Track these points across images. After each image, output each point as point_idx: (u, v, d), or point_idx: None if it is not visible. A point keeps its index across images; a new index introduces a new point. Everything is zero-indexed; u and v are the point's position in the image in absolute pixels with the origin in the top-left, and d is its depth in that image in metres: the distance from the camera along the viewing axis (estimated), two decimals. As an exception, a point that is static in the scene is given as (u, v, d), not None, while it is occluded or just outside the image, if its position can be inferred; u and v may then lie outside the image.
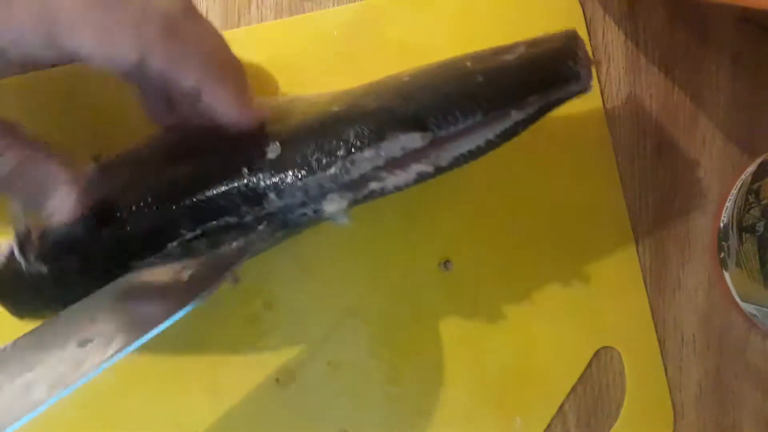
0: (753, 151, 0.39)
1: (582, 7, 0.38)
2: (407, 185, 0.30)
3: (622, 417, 0.37)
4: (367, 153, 0.28)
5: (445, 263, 0.36)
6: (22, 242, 0.29)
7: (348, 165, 0.28)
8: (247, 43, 0.36)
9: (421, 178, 0.30)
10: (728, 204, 0.37)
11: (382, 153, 0.28)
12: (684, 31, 0.39)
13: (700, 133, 0.39)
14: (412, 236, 0.36)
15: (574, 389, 0.37)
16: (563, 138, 0.37)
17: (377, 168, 0.28)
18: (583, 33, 0.38)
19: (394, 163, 0.28)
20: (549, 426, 0.37)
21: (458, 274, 0.36)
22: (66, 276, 0.29)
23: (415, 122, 0.29)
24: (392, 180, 0.29)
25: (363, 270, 0.36)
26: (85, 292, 0.29)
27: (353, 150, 0.28)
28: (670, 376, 0.38)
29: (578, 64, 0.29)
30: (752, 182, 0.36)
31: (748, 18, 0.39)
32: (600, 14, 0.38)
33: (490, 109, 0.29)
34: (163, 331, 0.34)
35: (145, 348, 0.34)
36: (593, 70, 0.37)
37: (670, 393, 0.38)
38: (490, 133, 0.29)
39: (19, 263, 0.29)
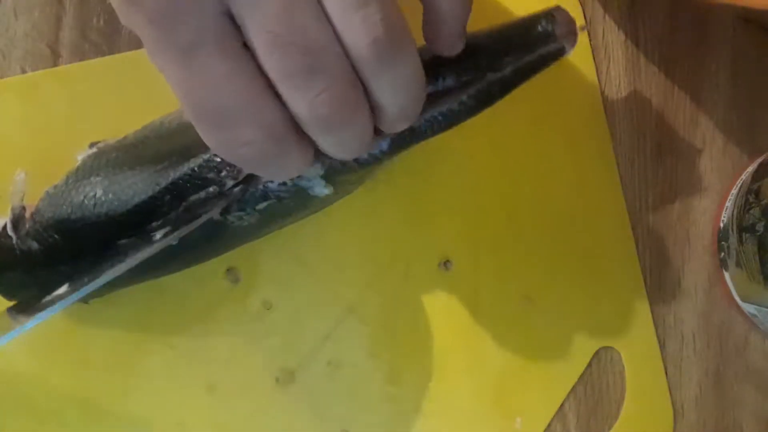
0: (753, 151, 0.39)
1: (582, 7, 0.38)
2: (382, 152, 0.29)
3: (622, 417, 0.37)
4: None
5: (445, 263, 0.36)
6: (16, 219, 0.29)
7: None
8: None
9: (397, 143, 0.29)
10: (728, 204, 0.37)
11: None
12: (684, 31, 0.39)
13: (700, 133, 0.39)
14: (412, 236, 0.36)
15: (574, 389, 0.37)
16: (563, 138, 0.37)
17: None
18: (583, 33, 0.38)
19: None
20: (549, 426, 0.37)
21: (458, 274, 0.36)
22: (55, 254, 0.29)
23: None
24: None
25: (363, 270, 0.36)
26: (74, 271, 0.29)
27: None
28: (670, 376, 0.38)
29: (553, 24, 0.29)
30: (752, 182, 0.36)
31: (748, 18, 0.39)
32: (600, 14, 0.38)
33: (461, 71, 0.29)
34: (163, 331, 0.34)
35: (145, 347, 0.34)
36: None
37: (670, 393, 0.38)
38: (463, 95, 0.29)
39: (11, 239, 0.29)
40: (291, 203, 0.30)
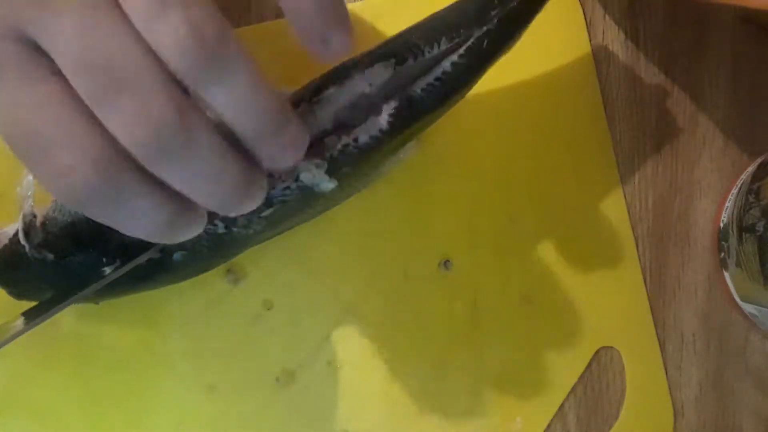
0: (753, 151, 0.39)
1: (582, 7, 0.38)
2: (381, 131, 0.29)
3: (622, 417, 0.37)
4: (331, 90, 0.28)
5: (445, 263, 0.36)
6: (28, 227, 0.29)
7: (312, 118, 0.28)
8: (248, 42, 0.35)
9: (396, 120, 0.29)
10: (728, 204, 0.37)
11: (345, 92, 0.28)
12: (684, 31, 0.39)
13: (700, 133, 0.39)
14: (412, 236, 0.36)
15: (574, 389, 0.37)
16: (563, 138, 0.37)
17: (343, 109, 0.28)
18: (583, 33, 0.38)
19: (361, 106, 0.28)
20: (549, 426, 0.37)
21: (458, 274, 0.36)
22: (70, 263, 0.29)
23: (380, 57, 0.29)
24: (363, 128, 0.29)
25: (363, 270, 0.36)
26: (87, 278, 0.29)
27: (316, 95, 0.28)
28: (670, 376, 0.38)
29: None
30: (752, 182, 0.36)
31: (748, 18, 0.39)
32: (600, 14, 0.38)
33: (453, 32, 0.29)
34: (163, 332, 0.34)
35: (145, 347, 0.34)
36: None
37: (670, 393, 0.38)
38: (454, 55, 0.29)
39: (23, 247, 0.29)
40: (296, 204, 0.30)
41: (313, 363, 0.35)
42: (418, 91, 0.29)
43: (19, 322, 0.29)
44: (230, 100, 0.20)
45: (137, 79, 0.19)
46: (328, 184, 0.29)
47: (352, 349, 0.35)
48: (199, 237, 0.29)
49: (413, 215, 0.36)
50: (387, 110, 0.29)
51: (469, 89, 0.31)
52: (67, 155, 0.19)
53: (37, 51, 0.20)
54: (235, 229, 0.30)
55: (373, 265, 0.36)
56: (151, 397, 0.34)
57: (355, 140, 0.29)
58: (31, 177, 0.29)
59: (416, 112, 0.29)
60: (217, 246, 0.30)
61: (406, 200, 0.36)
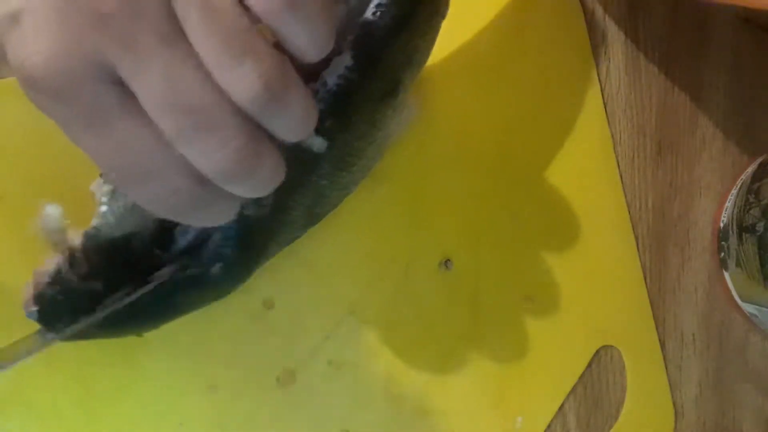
0: (753, 151, 0.39)
1: (582, 7, 0.38)
2: (347, 68, 0.29)
3: (622, 417, 0.37)
4: None
5: (445, 263, 0.36)
6: (71, 258, 0.27)
7: None
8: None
9: (358, 53, 0.29)
10: (728, 204, 0.37)
11: None
12: (684, 31, 0.39)
13: (700, 133, 0.39)
14: (412, 236, 0.36)
15: (574, 389, 0.37)
16: (563, 138, 0.38)
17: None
18: (582, 33, 0.38)
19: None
20: (549, 426, 0.37)
21: (458, 274, 0.36)
22: (116, 288, 0.28)
23: None
24: (329, 71, 0.28)
25: (363, 270, 0.36)
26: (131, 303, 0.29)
27: None
28: (670, 376, 0.38)
29: None
30: (752, 182, 0.36)
31: (748, 18, 0.39)
32: (600, 14, 0.38)
33: None
34: (164, 331, 0.34)
35: (146, 348, 0.34)
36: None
37: (671, 393, 0.38)
38: None
39: (70, 281, 0.27)
40: (293, 169, 0.27)
41: (314, 363, 0.35)
42: (370, 16, 0.29)
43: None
44: (284, 129, 0.24)
45: (219, 119, 0.22)
46: (315, 140, 0.28)
47: (353, 348, 0.35)
48: (224, 240, 0.29)
49: (413, 215, 0.36)
50: (347, 45, 0.29)
51: (432, 12, 0.31)
52: (178, 177, 0.23)
53: (125, 89, 0.22)
54: (249, 213, 0.29)
55: (374, 265, 0.36)
56: (152, 397, 0.34)
57: (324, 84, 0.28)
58: (54, 209, 0.27)
59: (375, 37, 0.29)
60: (243, 241, 0.30)
61: (406, 200, 0.36)
